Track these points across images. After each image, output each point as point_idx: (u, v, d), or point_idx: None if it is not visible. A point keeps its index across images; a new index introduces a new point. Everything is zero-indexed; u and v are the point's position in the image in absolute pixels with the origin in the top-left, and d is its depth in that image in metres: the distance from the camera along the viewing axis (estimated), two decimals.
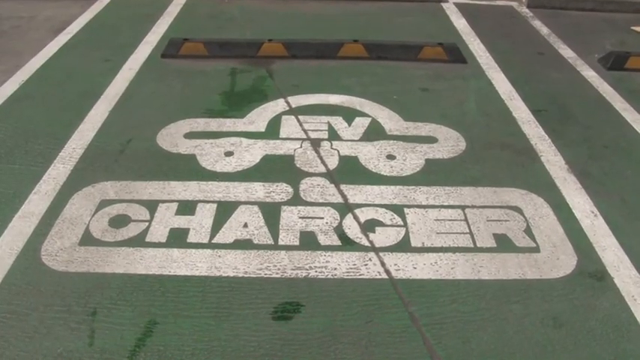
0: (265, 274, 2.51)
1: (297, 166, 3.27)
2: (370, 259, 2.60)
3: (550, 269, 2.59)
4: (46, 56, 4.66)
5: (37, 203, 2.91)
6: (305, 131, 3.61)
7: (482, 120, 3.87)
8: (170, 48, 4.74)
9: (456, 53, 4.80)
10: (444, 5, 6.03)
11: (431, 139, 3.58)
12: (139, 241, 2.67)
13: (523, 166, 3.37)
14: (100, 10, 5.72)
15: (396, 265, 2.58)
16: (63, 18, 5.45)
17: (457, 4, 6.06)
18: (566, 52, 5.05)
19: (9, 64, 4.48)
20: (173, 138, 3.52)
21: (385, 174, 3.22)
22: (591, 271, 2.59)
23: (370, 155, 3.39)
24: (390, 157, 3.38)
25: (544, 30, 5.53)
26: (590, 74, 4.65)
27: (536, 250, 2.70)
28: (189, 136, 3.55)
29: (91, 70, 4.44)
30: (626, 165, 3.45)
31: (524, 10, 6.02)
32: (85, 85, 4.17)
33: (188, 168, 3.24)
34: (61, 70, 4.45)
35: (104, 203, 2.92)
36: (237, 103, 3.98)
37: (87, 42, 4.99)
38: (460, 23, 5.57)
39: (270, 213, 2.88)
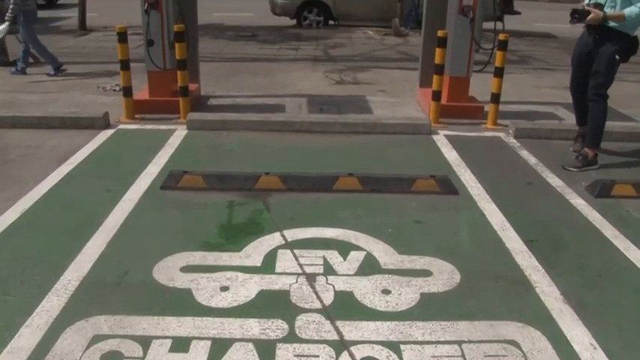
0: None
1: (293, 301, 3.26)
2: None
3: None
4: (49, 185, 4.78)
5: (27, 337, 2.88)
6: (300, 266, 3.63)
7: (476, 252, 3.92)
8: (169, 180, 4.88)
9: (448, 185, 4.93)
10: (435, 137, 6.25)
11: (426, 273, 3.60)
12: None
13: (518, 298, 3.37)
14: (104, 140, 5.93)
15: None
16: (68, 148, 5.64)
17: (447, 136, 6.28)
18: (555, 181, 5.19)
19: (12, 192, 4.60)
20: (169, 271, 3.54)
21: (381, 309, 3.21)
22: None
23: (365, 290, 3.39)
24: (386, 291, 3.39)
25: (532, 159, 5.71)
26: (578, 202, 4.76)
27: None
28: (186, 269, 3.57)
29: (91, 200, 4.54)
30: (621, 293, 3.46)
31: (512, 141, 6.24)
32: (84, 215, 4.25)
33: (183, 303, 3.23)
34: (63, 199, 4.56)
35: (97, 338, 2.88)
36: (234, 236, 4.04)
37: (89, 172, 5.14)
38: (451, 155, 5.76)
39: (266, 351, 2.84)
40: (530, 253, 3.89)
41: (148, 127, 6.37)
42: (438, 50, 6.41)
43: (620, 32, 5.23)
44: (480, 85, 7.04)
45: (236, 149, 5.83)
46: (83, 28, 13.31)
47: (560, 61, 11.05)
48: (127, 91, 6.53)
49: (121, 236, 3.98)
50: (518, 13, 15.32)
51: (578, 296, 3.39)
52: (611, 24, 5.22)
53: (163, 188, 4.77)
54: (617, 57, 5.30)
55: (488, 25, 7.83)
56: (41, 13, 14.35)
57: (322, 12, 14.97)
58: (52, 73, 8.58)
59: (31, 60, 9.31)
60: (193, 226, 4.15)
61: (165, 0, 6.38)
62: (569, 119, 6.94)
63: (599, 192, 4.90)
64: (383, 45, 12.41)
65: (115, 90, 7.64)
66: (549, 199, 4.84)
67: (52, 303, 3.18)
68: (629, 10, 5.14)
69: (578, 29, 5.66)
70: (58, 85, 8.01)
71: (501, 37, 6.35)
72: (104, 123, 6.32)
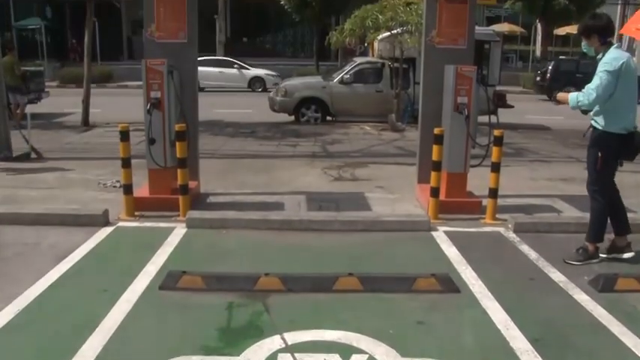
0: None
1: None
2: None
3: None
4: (44, 285, 4.72)
5: None
6: None
7: (480, 353, 3.83)
8: (168, 280, 4.83)
9: (449, 283, 4.88)
10: (434, 234, 6.23)
11: None
12: None
13: None
14: (103, 238, 5.91)
15: None
16: (66, 245, 5.61)
17: (447, 232, 6.26)
18: (557, 276, 5.14)
19: (7, 291, 4.53)
20: None
21: None
22: None
23: None
24: None
25: (532, 254, 5.68)
26: (582, 298, 4.70)
27: None
28: None
29: (88, 300, 4.48)
30: None
31: (512, 235, 6.23)
32: (80, 317, 4.18)
33: None
34: (59, 299, 4.49)
35: None
36: (233, 339, 3.95)
37: (87, 271, 5.09)
38: (451, 251, 5.72)
39: None
40: (535, 352, 3.81)
41: (148, 224, 6.37)
42: (435, 147, 6.53)
43: (598, 130, 5.20)
44: (478, 178, 7.10)
45: (235, 248, 5.79)
46: (86, 123, 13.62)
47: (554, 152, 11.27)
48: (127, 189, 6.59)
49: (118, 339, 3.90)
50: (512, 107, 15.73)
51: None
52: (593, 122, 5.26)
53: (162, 289, 4.71)
54: (599, 154, 5.23)
55: (483, 119, 7.99)
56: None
57: (320, 108, 15.34)
58: None
59: (33, 155, 9.48)
60: (192, 329, 4.07)
61: (167, 100, 6.56)
62: (567, 212, 6.98)
63: (603, 286, 4.84)
64: (380, 140, 12.65)
65: (115, 186, 7.70)
66: (552, 295, 4.77)
67: None
68: (572, 95, 5.07)
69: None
70: (59, 181, 8.09)
71: (496, 133, 6.49)
72: (104, 220, 6.33)
